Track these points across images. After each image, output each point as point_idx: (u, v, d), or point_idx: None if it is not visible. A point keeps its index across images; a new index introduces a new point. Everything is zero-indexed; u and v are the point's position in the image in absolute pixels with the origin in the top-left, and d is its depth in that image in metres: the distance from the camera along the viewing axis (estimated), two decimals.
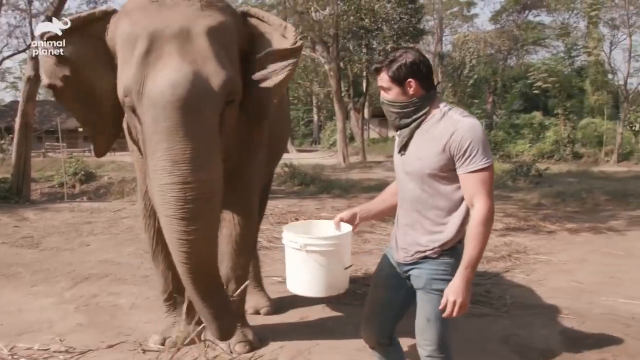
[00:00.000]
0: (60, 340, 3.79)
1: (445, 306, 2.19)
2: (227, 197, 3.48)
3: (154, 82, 2.60)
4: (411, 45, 21.68)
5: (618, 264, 6.07)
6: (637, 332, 3.98)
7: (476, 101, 33.62)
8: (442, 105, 2.28)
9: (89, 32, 3.02)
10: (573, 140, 26.15)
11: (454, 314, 2.17)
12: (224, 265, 3.56)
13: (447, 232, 2.25)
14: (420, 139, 2.28)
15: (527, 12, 37.76)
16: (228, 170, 3.28)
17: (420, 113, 2.27)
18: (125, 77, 2.73)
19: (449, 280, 2.21)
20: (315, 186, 13.76)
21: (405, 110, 2.28)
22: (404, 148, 2.34)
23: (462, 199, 2.24)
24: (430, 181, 2.25)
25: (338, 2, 22.56)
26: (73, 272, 5.71)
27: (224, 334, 3.03)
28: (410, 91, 2.25)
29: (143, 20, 2.75)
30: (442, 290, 2.23)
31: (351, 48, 24.30)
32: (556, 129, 27.06)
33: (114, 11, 3.04)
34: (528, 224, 8.58)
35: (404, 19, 22.30)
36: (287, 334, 3.89)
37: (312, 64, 33.69)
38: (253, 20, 3.15)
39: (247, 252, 3.69)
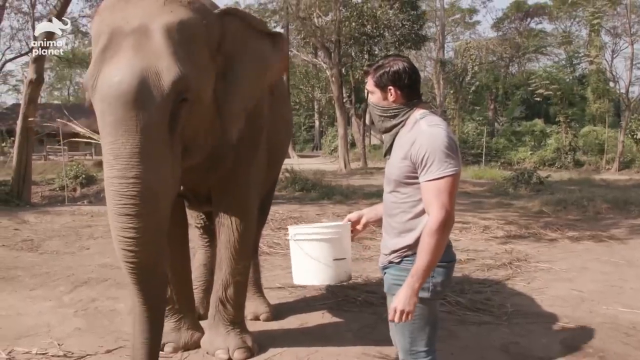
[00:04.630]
0: (59, 345, 3.77)
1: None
2: (224, 202, 3.48)
3: (103, 76, 2.61)
4: (413, 51, 21.73)
5: (619, 273, 6.04)
6: (638, 341, 3.96)
7: (478, 108, 33.75)
8: (419, 114, 2.29)
9: None
10: (574, 148, 26.23)
11: (396, 320, 2.14)
12: (223, 271, 3.55)
13: (409, 238, 2.24)
14: (395, 145, 2.34)
15: (529, 19, 37.97)
16: (223, 175, 3.28)
17: (398, 120, 2.31)
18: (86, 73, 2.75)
19: None
20: (316, 192, 13.71)
21: (385, 115, 2.34)
22: (388, 152, 2.40)
23: None
24: (398, 186, 2.28)
25: (340, 8, 22.63)
26: (72, 276, 5.69)
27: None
28: (390, 98, 2.31)
29: (109, 17, 2.77)
30: None
31: (353, 54, 24.36)
32: (557, 137, 27.15)
33: None
34: (529, 231, 8.54)
35: (406, 26, 22.35)
36: (286, 341, 3.87)
37: (313, 69, 33.79)
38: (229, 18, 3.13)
39: (246, 257, 3.66)
